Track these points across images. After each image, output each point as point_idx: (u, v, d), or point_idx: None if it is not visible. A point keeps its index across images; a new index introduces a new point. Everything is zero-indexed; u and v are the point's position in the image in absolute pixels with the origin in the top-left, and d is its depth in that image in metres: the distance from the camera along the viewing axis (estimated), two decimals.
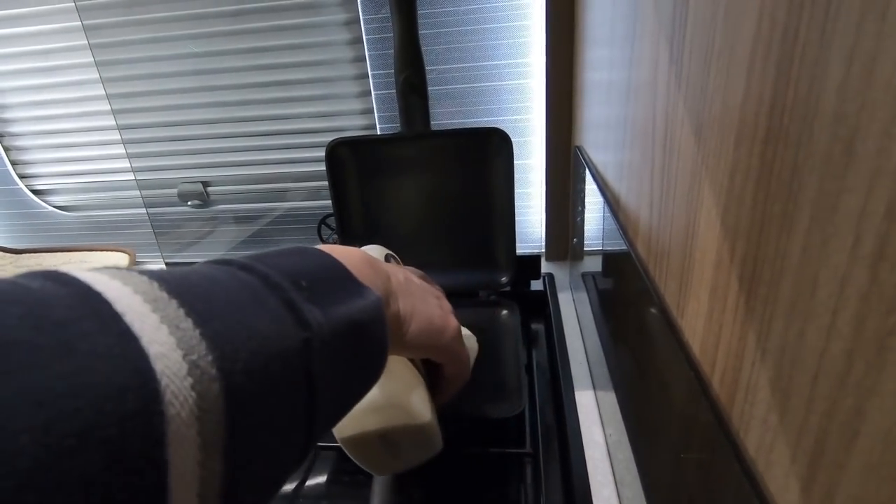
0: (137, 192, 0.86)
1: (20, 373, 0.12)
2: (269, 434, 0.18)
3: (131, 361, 0.14)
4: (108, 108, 0.81)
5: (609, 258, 0.47)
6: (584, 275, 0.61)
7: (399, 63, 0.57)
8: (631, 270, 0.36)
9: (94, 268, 0.17)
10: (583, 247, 0.60)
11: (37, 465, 0.11)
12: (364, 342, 0.23)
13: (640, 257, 0.35)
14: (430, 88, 0.59)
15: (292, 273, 0.21)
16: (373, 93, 0.75)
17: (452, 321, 0.35)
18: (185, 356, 0.15)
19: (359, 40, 0.73)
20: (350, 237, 0.66)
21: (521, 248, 0.65)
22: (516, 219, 0.62)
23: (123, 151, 0.84)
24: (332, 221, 0.74)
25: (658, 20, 0.29)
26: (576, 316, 0.65)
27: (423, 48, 0.57)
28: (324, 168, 0.61)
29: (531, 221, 0.80)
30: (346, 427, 0.35)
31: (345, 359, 0.22)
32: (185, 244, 0.87)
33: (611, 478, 0.43)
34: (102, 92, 0.80)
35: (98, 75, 0.79)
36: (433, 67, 0.70)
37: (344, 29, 0.74)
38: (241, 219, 0.87)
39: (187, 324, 0.16)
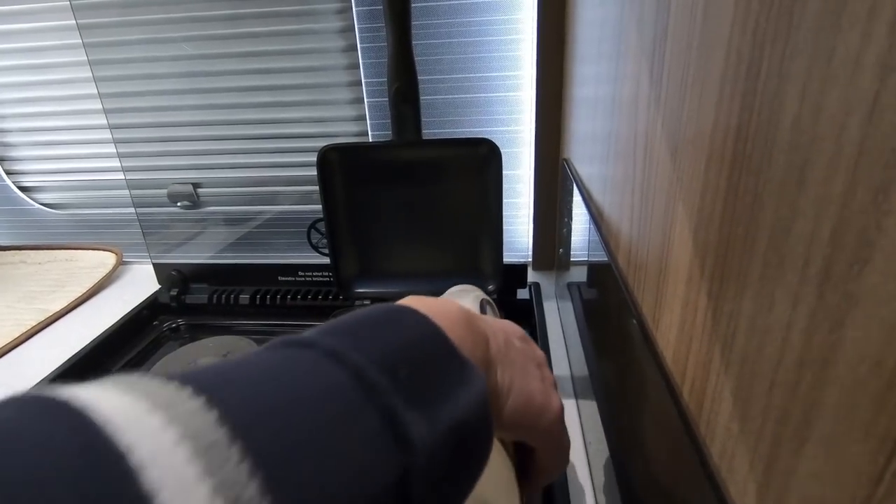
0: (126, 192, 0.86)
1: None
2: None
3: None
4: (99, 106, 0.81)
5: (593, 269, 0.48)
6: (569, 285, 0.62)
7: (392, 73, 0.58)
8: (612, 282, 0.37)
9: (116, 380, 0.12)
10: (569, 257, 0.62)
11: None
12: (470, 447, 0.19)
13: (621, 269, 0.36)
14: (422, 98, 0.60)
15: (389, 357, 0.17)
16: (365, 100, 0.76)
17: (555, 399, 0.29)
18: None
19: (353, 48, 0.74)
20: (339, 242, 0.66)
21: (508, 258, 0.66)
22: (504, 228, 0.63)
23: (114, 150, 0.84)
24: (321, 226, 0.74)
25: (640, 43, 0.31)
26: (560, 325, 0.66)
27: (417, 58, 0.58)
28: (315, 173, 0.62)
29: (518, 231, 0.81)
30: None
31: (448, 474, 0.17)
32: (173, 245, 0.87)
33: (590, 484, 0.44)
34: (94, 91, 0.80)
35: (91, 74, 0.79)
36: (426, 77, 0.72)
37: (339, 37, 0.75)
38: (230, 221, 0.87)
39: (253, 489, 0.11)
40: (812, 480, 0.14)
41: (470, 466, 0.19)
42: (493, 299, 0.66)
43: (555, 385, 0.30)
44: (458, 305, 0.24)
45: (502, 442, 0.33)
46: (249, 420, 0.12)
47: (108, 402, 0.10)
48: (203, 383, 0.12)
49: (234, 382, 0.13)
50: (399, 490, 0.15)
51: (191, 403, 0.11)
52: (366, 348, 0.17)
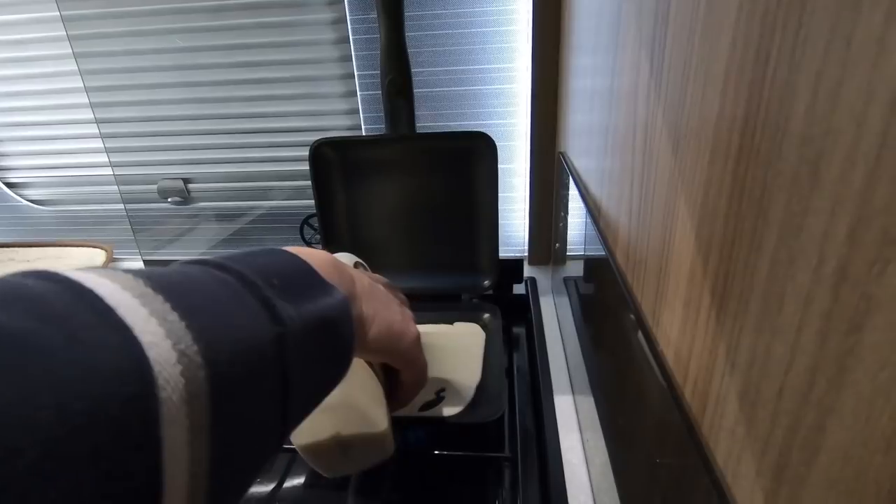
0: (116, 188, 0.84)
1: (36, 358, 0.13)
2: (249, 420, 0.19)
3: (128, 350, 0.15)
4: (86, 100, 0.79)
5: (590, 264, 0.47)
6: (565, 279, 0.61)
7: (385, 65, 0.57)
8: (610, 277, 0.36)
9: (79, 268, 0.18)
10: (565, 252, 0.61)
11: (54, 439, 0.13)
12: (333, 338, 0.25)
13: (619, 265, 0.35)
14: (415, 90, 0.58)
15: (265, 272, 0.23)
16: (358, 93, 0.75)
17: (412, 328, 0.36)
18: (173, 346, 0.16)
19: (345, 40, 0.73)
20: (333, 238, 0.65)
21: (504, 252, 0.65)
22: (500, 223, 0.62)
23: (102, 145, 0.82)
24: (314, 222, 0.73)
25: (640, 32, 0.30)
26: (557, 320, 0.66)
27: (410, 50, 0.57)
28: (307, 167, 0.61)
29: (515, 225, 0.80)
30: (303, 430, 0.35)
31: (315, 353, 0.23)
32: (164, 241, 0.86)
33: (587, 482, 0.43)
34: (81, 84, 0.78)
35: (76, 67, 0.77)
36: (419, 70, 0.70)
37: (330, 28, 0.73)
38: (222, 217, 0.85)
39: (174, 316, 0.17)
40: (827, 491, 0.13)
41: (335, 355, 0.25)
42: (489, 295, 0.65)
43: (413, 319, 0.37)
44: (327, 254, 0.30)
45: (372, 366, 0.39)
46: (165, 286, 0.18)
47: (89, 277, 0.17)
48: (137, 273, 0.18)
49: (155, 272, 0.19)
50: (276, 350, 0.20)
51: (128, 276, 0.18)
52: (246, 265, 0.22)
